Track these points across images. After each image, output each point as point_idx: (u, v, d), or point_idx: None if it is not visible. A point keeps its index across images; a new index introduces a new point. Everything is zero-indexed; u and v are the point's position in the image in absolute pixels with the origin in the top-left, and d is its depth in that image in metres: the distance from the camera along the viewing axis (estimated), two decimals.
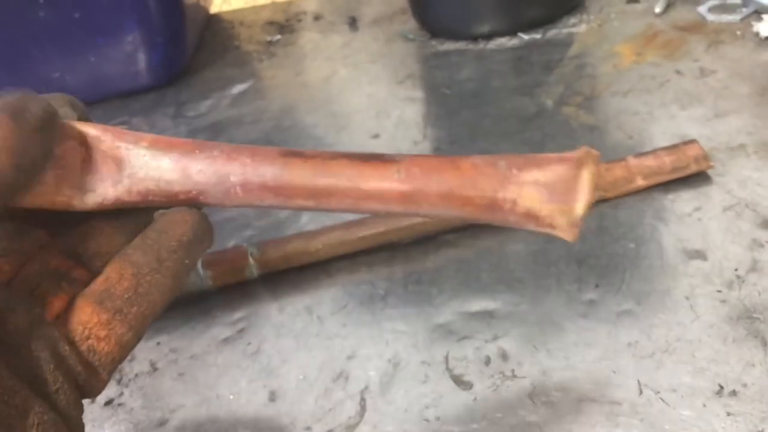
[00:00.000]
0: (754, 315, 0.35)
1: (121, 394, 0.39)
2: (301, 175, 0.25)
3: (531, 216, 0.26)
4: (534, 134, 0.53)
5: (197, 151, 0.26)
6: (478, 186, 0.27)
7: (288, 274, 0.44)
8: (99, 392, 0.28)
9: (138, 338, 0.29)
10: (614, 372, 0.34)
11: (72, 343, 0.27)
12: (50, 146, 0.24)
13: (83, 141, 0.26)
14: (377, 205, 0.26)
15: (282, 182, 0.26)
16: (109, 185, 0.26)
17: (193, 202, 0.26)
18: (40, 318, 0.27)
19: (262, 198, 0.26)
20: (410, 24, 0.76)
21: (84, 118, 0.27)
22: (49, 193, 0.25)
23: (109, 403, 0.38)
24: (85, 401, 0.36)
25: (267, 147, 0.26)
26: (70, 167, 0.26)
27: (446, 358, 0.37)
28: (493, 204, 0.27)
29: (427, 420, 0.34)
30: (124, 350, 0.29)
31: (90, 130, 0.26)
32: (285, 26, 0.84)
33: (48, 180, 0.26)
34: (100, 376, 0.29)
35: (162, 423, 0.37)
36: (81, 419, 0.28)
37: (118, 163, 0.26)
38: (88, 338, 0.28)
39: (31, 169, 0.23)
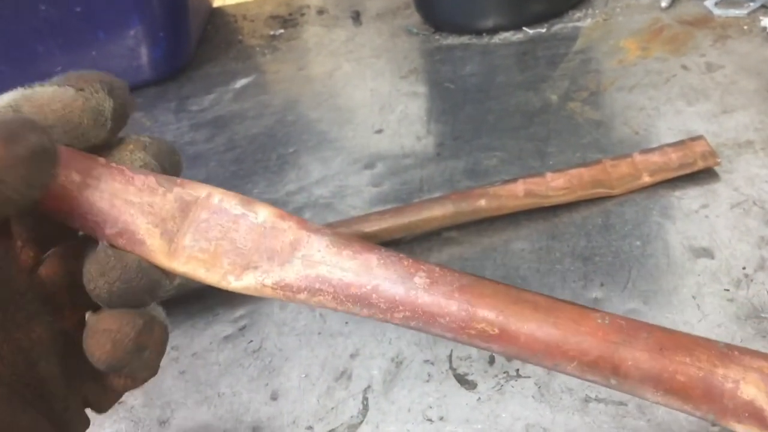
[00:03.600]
0: (762, 314, 0.35)
1: None
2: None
3: (755, 411, 0.23)
4: (539, 129, 0.53)
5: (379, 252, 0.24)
6: (693, 353, 0.24)
7: None
8: (106, 411, 0.28)
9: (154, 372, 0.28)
10: (618, 391, 0.33)
11: (87, 361, 0.27)
12: (44, 178, 0.23)
13: (264, 220, 0.24)
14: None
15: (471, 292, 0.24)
16: (275, 264, 0.24)
17: (361, 300, 0.24)
18: (61, 331, 0.26)
19: (447, 304, 0.24)
20: (414, 18, 0.75)
21: (121, 106, 0.25)
22: (205, 261, 0.24)
23: None
24: None
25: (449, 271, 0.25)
26: (241, 243, 0.24)
27: (450, 357, 0.36)
28: (709, 382, 0.24)
29: (430, 420, 0.33)
30: (139, 383, 0.28)
31: (274, 213, 0.25)
32: (288, 20, 0.84)
33: (210, 249, 0.24)
34: (109, 398, 0.28)
35: (163, 421, 0.36)
36: None
37: (294, 244, 0.24)
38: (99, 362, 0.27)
39: (20, 197, 0.22)
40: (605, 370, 0.24)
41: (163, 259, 0.24)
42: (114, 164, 0.24)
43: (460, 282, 0.24)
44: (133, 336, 0.25)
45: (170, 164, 0.27)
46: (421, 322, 0.24)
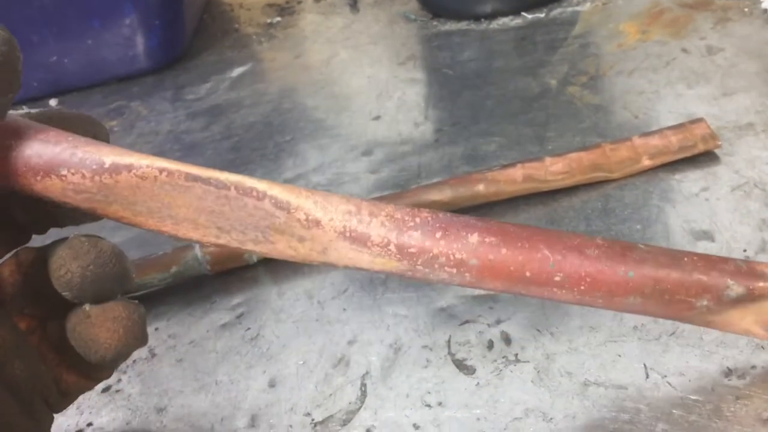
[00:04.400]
0: None
1: (119, 380, 0.38)
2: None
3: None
4: (538, 115, 0.52)
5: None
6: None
7: None
8: (63, 410, 0.28)
9: (110, 375, 0.29)
10: (620, 356, 0.33)
11: (45, 364, 0.27)
12: (16, 77, 0.22)
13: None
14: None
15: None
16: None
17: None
18: (23, 335, 0.26)
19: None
20: (412, 4, 0.75)
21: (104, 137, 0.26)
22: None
23: (106, 389, 0.38)
24: None
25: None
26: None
27: (448, 343, 0.36)
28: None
29: (429, 405, 0.33)
30: (93, 385, 0.29)
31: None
32: (285, 8, 0.83)
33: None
34: (66, 400, 0.28)
35: (160, 409, 0.36)
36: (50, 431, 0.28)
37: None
38: (58, 365, 0.27)
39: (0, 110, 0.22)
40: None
41: None
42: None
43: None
44: (141, 322, 0.25)
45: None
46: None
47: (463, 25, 0.68)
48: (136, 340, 0.25)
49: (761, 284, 0.27)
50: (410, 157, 0.51)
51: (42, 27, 0.67)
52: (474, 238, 0.25)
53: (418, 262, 0.25)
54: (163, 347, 0.40)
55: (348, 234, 0.25)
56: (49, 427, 0.28)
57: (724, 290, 0.27)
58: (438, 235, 0.25)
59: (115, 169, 0.24)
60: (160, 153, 0.59)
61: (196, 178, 0.24)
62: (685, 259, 0.27)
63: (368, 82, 0.63)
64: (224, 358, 0.38)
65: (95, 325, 0.25)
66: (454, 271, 0.25)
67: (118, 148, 0.24)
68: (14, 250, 0.27)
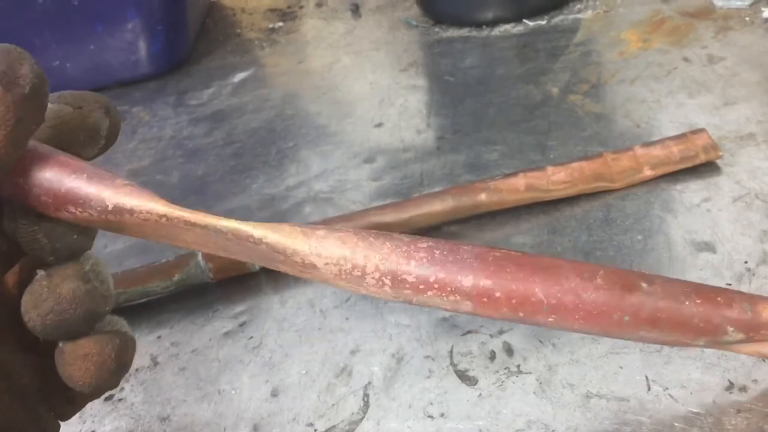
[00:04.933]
0: None
1: (122, 389, 0.38)
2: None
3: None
4: (540, 123, 0.52)
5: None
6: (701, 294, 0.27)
7: None
8: (70, 418, 0.28)
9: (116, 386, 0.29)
10: (621, 368, 0.33)
11: (55, 374, 0.27)
12: (43, 110, 0.23)
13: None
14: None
15: None
16: None
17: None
18: (29, 345, 0.26)
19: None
20: (413, 11, 0.75)
21: (115, 126, 0.26)
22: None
23: (109, 398, 0.38)
24: None
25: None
26: None
27: (450, 353, 0.36)
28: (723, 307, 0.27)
29: (432, 416, 0.33)
30: (100, 393, 0.29)
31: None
32: (287, 13, 0.83)
33: None
34: (72, 409, 0.28)
35: (163, 418, 0.36)
36: None
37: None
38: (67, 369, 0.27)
39: (24, 140, 0.22)
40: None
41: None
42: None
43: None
44: (114, 357, 0.25)
45: None
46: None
47: (464, 31, 0.68)
48: (111, 375, 0.25)
49: (763, 332, 0.27)
50: (412, 165, 0.51)
51: (45, 31, 0.68)
52: (469, 281, 0.25)
53: (413, 300, 0.25)
54: (166, 355, 0.40)
55: (344, 276, 0.25)
56: None
57: (722, 335, 0.27)
58: (432, 279, 0.25)
59: (119, 212, 0.24)
60: (162, 159, 0.59)
61: (194, 224, 0.25)
62: (687, 303, 0.26)
63: (370, 89, 0.63)
64: (227, 366, 0.38)
65: (68, 363, 0.24)
66: (449, 307, 0.26)
67: (126, 186, 0.25)
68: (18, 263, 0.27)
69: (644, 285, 0.26)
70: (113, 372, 0.25)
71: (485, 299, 0.25)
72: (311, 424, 0.34)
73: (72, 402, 0.28)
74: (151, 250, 0.47)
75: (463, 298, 0.25)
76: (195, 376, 0.38)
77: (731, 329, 0.27)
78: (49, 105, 0.24)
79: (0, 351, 0.24)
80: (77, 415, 0.36)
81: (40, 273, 0.24)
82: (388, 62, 0.67)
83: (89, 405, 0.37)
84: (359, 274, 0.25)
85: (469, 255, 0.25)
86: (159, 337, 0.41)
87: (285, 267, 0.26)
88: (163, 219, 0.25)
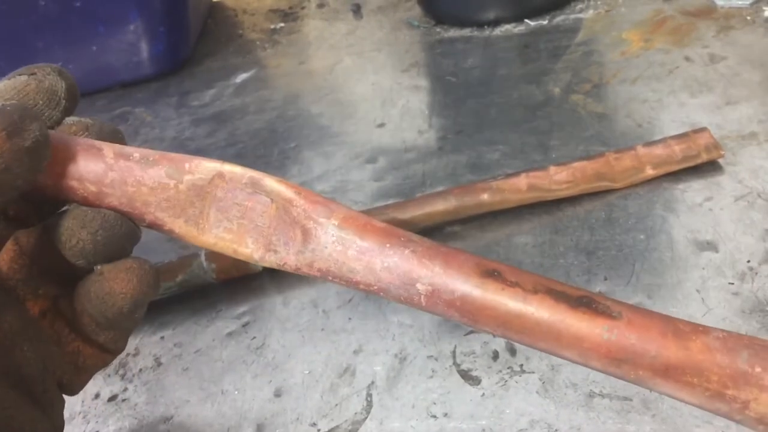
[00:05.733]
0: (767, 308, 0.35)
1: (125, 389, 0.39)
2: (495, 302, 0.23)
3: (765, 423, 0.23)
4: (541, 123, 0.52)
5: (387, 245, 0.24)
6: (704, 374, 0.23)
7: None
8: (78, 392, 0.29)
9: (124, 347, 0.30)
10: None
11: (59, 345, 0.27)
12: (39, 168, 0.24)
13: (276, 199, 0.25)
14: (574, 356, 0.23)
15: (472, 305, 0.23)
16: (291, 252, 0.25)
17: (372, 293, 0.25)
18: (31, 319, 0.27)
19: (446, 312, 0.24)
20: (415, 11, 0.75)
21: (72, 86, 0.27)
22: (232, 241, 0.25)
23: (113, 398, 0.38)
24: (89, 396, 0.36)
25: (464, 255, 0.24)
26: (260, 222, 0.25)
27: (453, 353, 0.36)
28: (718, 396, 0.23)
29: (435, 416, 0.33)
30: (109, 359, 0.29)
31: (285, 191, 0.25)
32: (289, 14, 0.83)
33: (233, 228, 0.25)
34: (81, 378, 0.29)
35: (167, 419, 0.36)
36: (62, 416, 0.28)
37: (305, 234, 0.25)
38: (74, 341, 0.28)
39: (11, 188, 0.23)
40: (609, 370, 0.24)
41: (197, 241, 0.26)
42: (122, 162, 0.25)
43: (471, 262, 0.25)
44: (153, 273, 0.26)
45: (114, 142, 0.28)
46: (434, 311, 0.25)
47: (466, 31, 0.69)
48: (150, 288, 0.26)
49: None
50: (414, 165, 0.51)
51: (47, 33, 0.68)
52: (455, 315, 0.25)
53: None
54: (169, 356, 0.40)
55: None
56: (61, 411, 0.28)
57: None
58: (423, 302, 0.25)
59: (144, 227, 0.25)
60: None
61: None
62: (682, 394, 0.23)
63: (372, 89, 0.63)
64: (230, 367, 0.38)
65: (109, 280, 0.26)
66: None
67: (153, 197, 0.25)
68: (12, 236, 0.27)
69: (651, 353, 0.24)
70: (151, 286, 0.26)
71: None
72: (314, 424, 0.34)
73: (82, 370, 0.28)
74: (154, 251, 0.47)
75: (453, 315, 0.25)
76: (198, 376, 0.38)
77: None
78: (5, 80, 0.25)
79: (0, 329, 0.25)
80: (81, 415, 0.36)
81: (72, 205, 0.25)
82: (389, 63, 0.67)
83: (94, 405, 0.37)
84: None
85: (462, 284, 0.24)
86: (162, 337, 0.41)
87: None
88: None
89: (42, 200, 0.27)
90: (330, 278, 0.25)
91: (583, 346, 0.23)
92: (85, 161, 0.25)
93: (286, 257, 0.25)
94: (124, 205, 0.25)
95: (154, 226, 0.25)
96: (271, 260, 0.26)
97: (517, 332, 0.23)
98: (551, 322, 0.23)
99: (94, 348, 0.29)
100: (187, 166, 0.25)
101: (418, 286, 0.24)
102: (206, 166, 0.25)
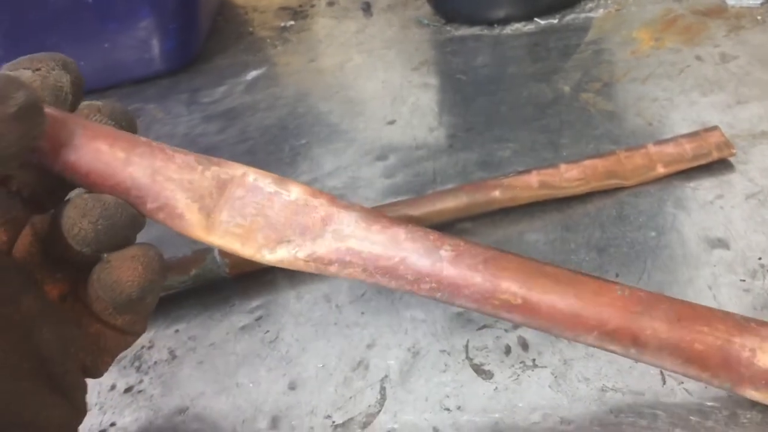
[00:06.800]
0: None
1: (141, 381, 0.39)
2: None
3: None
4: (551, 121, 0.53)
5: (406, 231, 0.26)
6: (712, 324, 0.26)
7: None
8: (102, 374, 0.29)
9: (143, 329, 0.30)
10: (636, 362, 0.34)
11: (80, 327, 0.28)
12: (32, 135, 0.24)
13: (297, 196, 0.26)
14: (593, 314, 0.26)
15: (495, 264, 0.25)
16: (308, 239, 0.26)
17: (390, 277, 0.25)
18: (51, 302, 0.27)
19: (468, 278, 0.25)
20: (425, 9, 0.75)
21: (78, 78, 0.27)
22: (240, 236, 0.26)
23: (128, 390, 0.39)
24: (105, 388, 0.37)
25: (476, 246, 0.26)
26: (275, 218, 0.26)
27: (466, 348, 0.37)
28: (726, 350, 0.25)
29: (448, 409, 0.34)
30: (130, 340, 0.30)
31: (307, 189, 0.26)
32: (298, 12, 0.84)
33: (245, 224, 0.26)
34: (104, 360, 0.29)
35: (182, 410, 0.37)
36: (85, 400, 0.28)
37: (325, 220, 0.26)
38: (95, 323, 0.28)
39: (9, 156, 0.23)
40: (625, 339, 0.26)
41: (201, 233, 0.26)
42: (155, 143, 0.26)
43: (484, 255, 0.25)
44: (158, 259, 0.26)
45: (127, 124, 0.28)
46: (447, 293, 0.25)
47: (476, 30, 0.69)
48: (156, 275, 0.26)
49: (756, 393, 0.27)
50: (425, 162, 0.52)
51: (58, 30, 0.68)
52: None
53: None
54: (184, 349, 0.40)
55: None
56: (83, 396, 0.28)
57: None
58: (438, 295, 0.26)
59: (157, 219, 0.25)
60: None
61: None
62: (697, 346, 0.26)
63: (382, 87, 0.63)
64: (244, 360, 0.39)
65: (116, 268, 0.26)
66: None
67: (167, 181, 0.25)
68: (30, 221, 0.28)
69: (655, 326, 0.26)
70: (157, 272, 0.26)
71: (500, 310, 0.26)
72: (329, 417, 0.35)
73: (104, 351, 0.28)
74: (169, 245, 0.47)
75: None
76: (213, 369, 0.39)
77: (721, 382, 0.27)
78: (6, 68, 0.25)
79: (17, 312, 0.25)
80: (97, 406, 0.37)
81: (76, 192, 0.26)
82: (399, 61, 0.67)
83: (109, 396, 0.38)
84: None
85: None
86: (177, 331, 0.42)
87: None
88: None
89: (55, 183, 0.27)
90: (348, 258, 0.25)
91: (601, 301, 0.25)
92: (114, 134, 0.25)
93: (302, 243, 0.26)
94: (146, 177, 0.25)
95: (166, 207, 0.25)
96: (281, 253, 0.26)
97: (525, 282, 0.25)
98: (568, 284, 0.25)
99: (114, 331, 0.29)
100: (215, 160, 0.26)
101: (442, 252, 0.25)
102: (234, 165, 0.26)
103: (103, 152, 0.25)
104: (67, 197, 0.27)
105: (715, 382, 0.27)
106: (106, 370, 0.29)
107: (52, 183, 0.27)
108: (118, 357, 0.37)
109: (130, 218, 0.26)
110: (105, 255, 0.26)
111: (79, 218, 0.25)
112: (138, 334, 0.30)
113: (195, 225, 0.26)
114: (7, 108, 0.23)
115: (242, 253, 0.26)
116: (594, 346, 0.27)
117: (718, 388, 0.28)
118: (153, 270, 0.26)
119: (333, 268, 0.26)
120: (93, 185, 0.25)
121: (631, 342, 0.26)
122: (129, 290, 0.26)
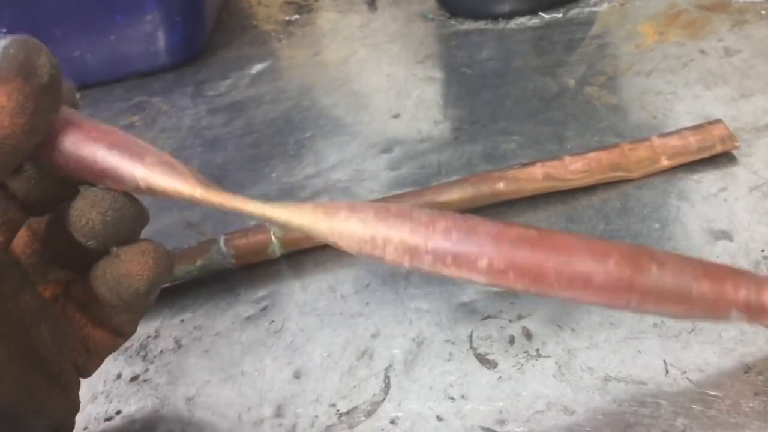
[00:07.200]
0: None
1: (147, 370, 0.39)
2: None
3: None
4: (556, 114, 0.53)
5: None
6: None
7: (311, 252, 0.44)
8: (91, 375, 0.29)
9: (134, 330, 0.30)
10: (640, 352, 0.34)
11: (74, 327, 0.28)
12: (59, 97, 0.24)
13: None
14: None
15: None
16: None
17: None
18: (46, 300, 0.27)
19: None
20: (429, 3, 0.75)
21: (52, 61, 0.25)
22: None
23: (135, 378, 0.39)
24: (111, 377, 0.37)
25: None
26: None
27: (470, 337, 0.37)
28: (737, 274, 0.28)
29: (452, 398, 0.34)
30: (120, 342, 0.30)
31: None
32: (303, 6, 0.84)
33: None
34: (94, 362, 0.29)
35: (188, 398, 0.37)
36: (78, 396, 0.29)
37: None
38: (85, 326, 0.28)
39: (42, 127, 0.23)
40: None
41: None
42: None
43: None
44: (167, 255, 0.27)
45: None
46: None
47: (480, 24, 0.69)
48: (165, 270, 0.27)
49: (766, 321, 0.28)
50: (430, 155, 0.52)
51: (65, 22, 0.68)
52: (483, 264, 0.26)
53: (431, 273, 0.26)
54: (189, 338, 0.41)
55: (364, 254, 0.27)
56: (77, 392, 0.29)
57: (725, 318, 0.28)
58: (449, 259, 0.26)
59: (151, 190, 0.25)
60: (181, 148, 0.60)
61: (222, 207, 0.26)
62: (695, 288, 0.27)
63: (387, 81, 0.64)
64: (249, 349, 0.39)
65: (126, 262, 0.26)
66: (463, 280, 0.27)
67: (157, 164, 0.25)
68: (27, 222, 0.28)
69: (654, 269, 0.27)
70: (166, 268, 0.27)
71: (498, 277, 0.26)
72: (334, 405, 0.35)
73: (93, 354, 0.29)
74: (173, 237, 0.48)
75: (478, 275, 0.26)
76: (218, 358, 0.39)
77: (735, 312, 0.27)
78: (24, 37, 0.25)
79: (16, 309, 0.25)
80: (103, 394, 0.37)
81: (84, 186, 0.26)
82: (404, 55, 0.68)
83: (116, 385, 0.38)
84: (379, 254, 0.26)
85: (485, 237, 0.26)
86: (182, 320, 0.42)
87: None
88: (193, 200, 0.26)
89: (55, 184, 0.27)
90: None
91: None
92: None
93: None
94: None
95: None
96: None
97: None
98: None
99: (104, 332, 0.29)
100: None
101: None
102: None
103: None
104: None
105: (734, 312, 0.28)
106: (95, 370, 0.30)
107: (48, 187, 0.27)
108: (124, 346, 0.37)
109: (138, 212, 0.26)
110: (114, 249, 0.26)
111: (88, 209, 0.25)
112: (128, 336, 0.30)
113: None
114: (41, 79, 0.22)
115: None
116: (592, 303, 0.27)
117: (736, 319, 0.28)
118: (163, 265, 0.27)
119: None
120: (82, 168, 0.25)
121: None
122: (137, 284, 0.26)
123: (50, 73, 0.23)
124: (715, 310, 0.27)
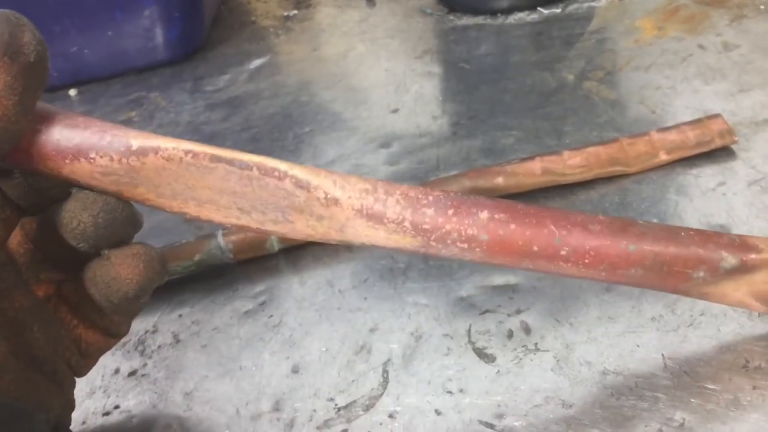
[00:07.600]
0: None
1: (145, 365, 0.39)
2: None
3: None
4: (555, 109, 0.53)
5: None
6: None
7: (309, 248, 0.44)
8: (84, 375, 0.29)
9: (127, 331, 0.30)
10: (638, 346, 0.34)
11: (66, 328, 0.28)
12: (46, 75, 0.23)
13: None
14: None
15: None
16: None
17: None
18: (40, 300, 0.27)
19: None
20: None
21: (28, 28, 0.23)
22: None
23: (133, 373, 0.39)
24: (109, 372, 0.37)
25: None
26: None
27: (468, 332, 0.37)
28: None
29: (450, 392, 0.34)
30: (112, 342, 0.30)
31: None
32: (301, 1, 0.84)
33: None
34: (87, 362, 0.29)
35: (187, 393, 0.37)
36: (73, 396, 0.28)
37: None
38: (77, 326, 0.28)
39: (32, 105, 0.23)
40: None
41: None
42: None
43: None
44: (159, 259, 0.26)
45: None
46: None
47: (479, 19, 0.69)
48: (156, 274, 0.26)
49: (753, 256, 0.29)
50: (428, 150, 0.52)
51: (64, 17, 0.68)
52: (484, 214, 0.26)
53: (432, 238, 0.26)
54: (188, 333, 0.41)
55: (365, 212, 0.26)
56: (72, 390, 0.29)
57: (719, 262, 0.28)
58: (450, 212, 0.26)
59: (143, 152, 0.24)
60: None
61: (220, 159, 0.25)
62: (682, 233, 0.28)
63: (385, 76, 0.63)
64: (248, 344, 0.39)
65: (116, 265, 0.26)
66: (466, 246, 0.26)
67: (144, 132, 0.25)
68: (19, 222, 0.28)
69: (641, 222, 0.28)
70: (157, 272, 0.26)
71: (501, 231, 0.26)
72: (332, 399, 0.35)
73: (86, 355, 0.29)
74: (171, 232, 0.48)
75: (480, 231, 0.26)
76: (217, 353, 0.39)
77: (725, 254, 0.28)
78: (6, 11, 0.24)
79: (11, 308, 0.25)
80: (101, 389, 0.37)
81: (75, 188, 0.25)
82: (402, 50, 0.67)
83: (113, 379, 0.38)
84: (381, 208, 0.25)
85: (481, 198, 0.27)
86: (180, 315, 0.42)
87: (303, 215, 0.26)
88: (189, 155, 0.25)
89: (45, 185, 0.26)
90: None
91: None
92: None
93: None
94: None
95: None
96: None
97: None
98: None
99: (96, 333, 0.29)
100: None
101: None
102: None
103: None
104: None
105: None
106: (89, 370, 0.29)
107: (39, 186, 0.27)
108: (122, 341, 0.37)
109: (130, 215, 0.26)
110: (105, 251, 0.26)
111: (79, 211, 0.25)
112: (121, 337, 0.30)
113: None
114: (28, 57, 0.22)
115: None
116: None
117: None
118: (154, 269, 0.26)
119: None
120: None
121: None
122: (126, 288, 0.26)
123: (36, 50, 0.22)
124: (706, 253, 0.28)
